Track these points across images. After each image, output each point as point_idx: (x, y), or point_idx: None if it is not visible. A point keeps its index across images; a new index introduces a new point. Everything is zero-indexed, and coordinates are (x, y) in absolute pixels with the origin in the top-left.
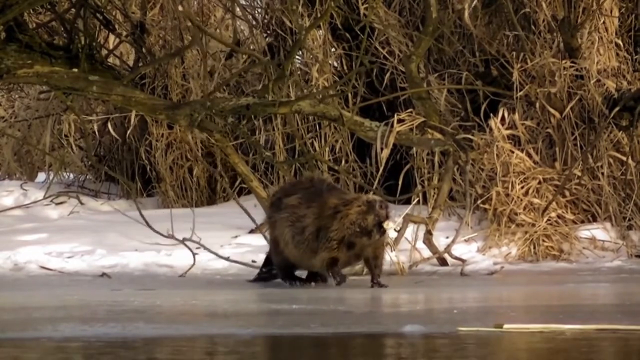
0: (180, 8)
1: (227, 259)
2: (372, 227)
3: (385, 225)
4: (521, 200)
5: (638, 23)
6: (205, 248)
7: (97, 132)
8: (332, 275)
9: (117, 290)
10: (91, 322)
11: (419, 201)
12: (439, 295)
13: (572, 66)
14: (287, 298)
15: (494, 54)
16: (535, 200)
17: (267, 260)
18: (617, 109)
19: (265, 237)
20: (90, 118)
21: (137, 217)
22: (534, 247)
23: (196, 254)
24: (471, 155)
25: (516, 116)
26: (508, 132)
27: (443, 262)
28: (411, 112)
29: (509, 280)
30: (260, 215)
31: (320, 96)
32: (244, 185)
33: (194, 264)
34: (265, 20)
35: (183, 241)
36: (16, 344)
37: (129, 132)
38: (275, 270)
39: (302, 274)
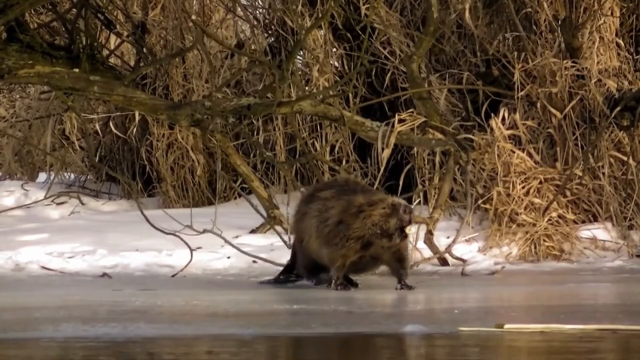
0: (187, 7)
1: (253, 257)
2: (393, 230)
3: (407, 230)
4: (522, 200)
5: (639, 23)
6: (226, 241)
7: (99, 131)
8: (335, 277)
9: (118, 290)
10: (92, 322)
11: (419, 201)
12: (439, 295)
13: (573, 66)
14: (288, 298)
15: (495, 54)
16: (536, 200)
17: (287, 268)
18: (618, 108)
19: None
20: (92, 117)
21: (139, 216)
22: (535, 247)
23: (194, 250)
24: (472, 155)
25: (517, 116)
26: (509, 132)
27: (444, 262)
28: (412, 112)
29: (509, 280)
30: (258, 216)
31: (321, 96)
32: (245, 185)
33: (190, 260)
34: (267, 21)
35: (203, 232)
36: (17, 344)
37: (129, 132)
38: (298, 272)
39: None
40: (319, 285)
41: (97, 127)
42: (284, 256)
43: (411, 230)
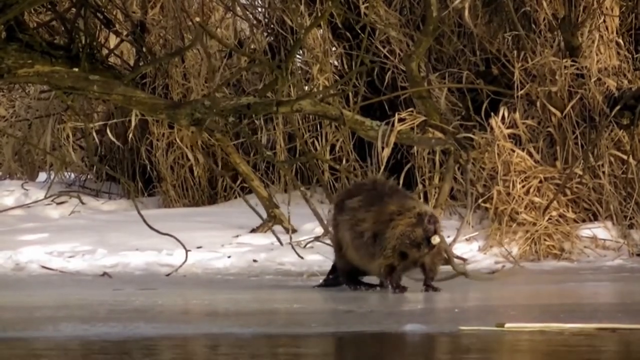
0: (186, 6)
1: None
2: (420, 240)
3: (432, 240)
4: (522, 199)
5: (638, 22)
6: None
7: (109, 130)
8: (389, 283)
9: (118, 289)
10: (92, 322)
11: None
12: (440, 294)
13: (573, 65)
14: (288, 298)
15: (495, 52)
16: (536, 199)
17: (334, 267)
18: (617, 107)
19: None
20: (92, 125)
21: (139, 216)
22: (535, 246)
23: (189, 250)
24: (472, 154)
25: (517, 115)
26: (509, 131)
27: (444, 261)
28: (412, 111)
29: (510, 280)
30: (259, 215)
31: (321, 95)
32: (245, 185)
33: (185, 261)
34: (266, 20)
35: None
36: (17, 343)
37: (129, 132)
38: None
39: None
40: (355, 291)
41: (98, 127)
42: (284, 255)
43: (436, 240)
